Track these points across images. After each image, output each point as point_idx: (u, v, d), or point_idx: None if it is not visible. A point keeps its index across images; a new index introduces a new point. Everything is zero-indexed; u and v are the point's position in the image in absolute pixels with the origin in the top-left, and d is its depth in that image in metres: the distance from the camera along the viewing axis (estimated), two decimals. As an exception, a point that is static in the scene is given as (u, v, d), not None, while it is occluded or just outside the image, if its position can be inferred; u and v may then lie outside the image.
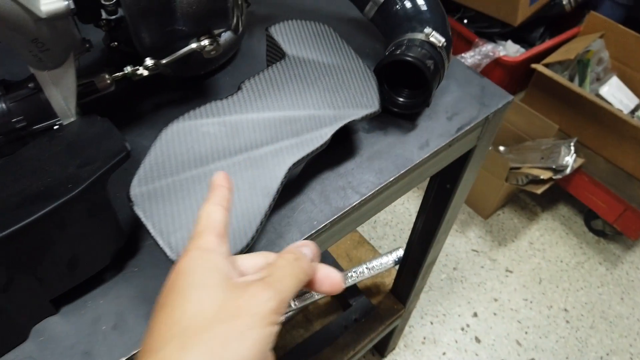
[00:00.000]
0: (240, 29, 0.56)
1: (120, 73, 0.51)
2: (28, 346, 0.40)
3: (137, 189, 0.41)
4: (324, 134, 0.49)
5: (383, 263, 1.04)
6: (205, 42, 0.52)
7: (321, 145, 0.48)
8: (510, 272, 1.59)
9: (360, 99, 0.52)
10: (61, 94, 0.47)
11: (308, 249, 0.33)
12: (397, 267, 1.09)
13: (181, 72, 0.59)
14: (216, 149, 0.44)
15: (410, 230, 0.93)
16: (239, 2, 0.51)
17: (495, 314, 1.49)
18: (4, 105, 0.47)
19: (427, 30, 0.56)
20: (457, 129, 0.59)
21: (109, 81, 0.51)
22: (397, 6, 0.60)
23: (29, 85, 0.47)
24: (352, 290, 1.08)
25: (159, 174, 0.42)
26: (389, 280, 1.12)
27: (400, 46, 0.57)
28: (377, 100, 0.53)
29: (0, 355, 0.39)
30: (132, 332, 0.41)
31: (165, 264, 0.45)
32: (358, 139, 0.57)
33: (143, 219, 0.40)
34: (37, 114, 0.48)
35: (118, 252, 0.44)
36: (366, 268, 1.02)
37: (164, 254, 0.39)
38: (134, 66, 0.51)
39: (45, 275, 0.40)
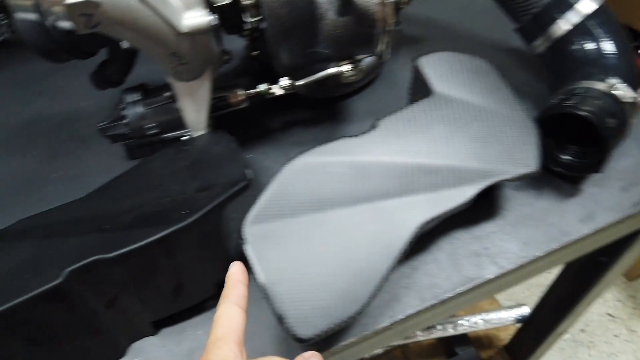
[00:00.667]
0: (388, 56, 0.50)
1: (254, 90, 0.49)
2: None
3: (252, 226, 0.38)
4: (466, 193, 0.41)
5: (503, 318, 0.93)
6: (345, 67, 0.47)
7: (460, 206, 0.41)
8: (651, 349, 1.35)
9: (516, 154, 0.44)
10: (194, 106, 0.46)
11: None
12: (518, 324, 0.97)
13: (315, 93, 0.56)
14: (340, 193, 0.39)
15: (546, 290, 0.80)
16: (390, 28, 0.45)
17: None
18: (141, 109, 0.46)
19: (612, 80, 0.46)
20: (633, 203, 0.48)
21: (241, 97, 0.48)
22: (576, 46, 0.50)
23: (165, 94, 0.46)
24: (461, 339, 0.98)
25: (276, 213, 0.38)
26: (505, 335, 1.00)
27: (574, 95, 0.47)
28: (536, 159, 0.44)
29: None
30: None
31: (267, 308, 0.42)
32: (503, 197, 0.49)
33: (253, 261, 0.36)
34: (170, 123, 0.47)
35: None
36: (482, 319, 0.92)
37: (269, 304, 0.36)
38: (269, 84, 0.49)
39: (149, 298, 0.38)
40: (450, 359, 0.97)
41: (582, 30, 0.50)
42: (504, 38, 0.64)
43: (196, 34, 0.39)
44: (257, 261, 0.36)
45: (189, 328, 0.41)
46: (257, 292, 0.42)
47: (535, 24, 0.53)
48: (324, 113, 0.56)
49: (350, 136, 0.42)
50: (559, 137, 0.49)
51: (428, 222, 0.40)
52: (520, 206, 0.48)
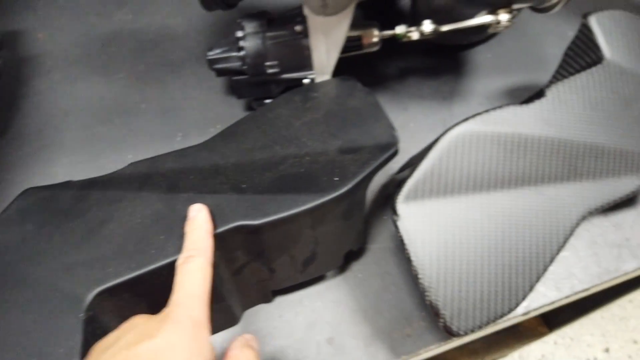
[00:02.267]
0: (557, 7, 0.43)
1: (390, 32, 0.42)
2: (237, 332, 0.36)
3: (406, 202, 0.33)
4: (634, 183, 0.37)
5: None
6: (503, 16, 0.40)
7: (627, 195, 0.37)
8: (664, 318, 1.38)
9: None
10: (327, 45, 0.39)
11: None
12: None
13: (442, 39, 0.48)
14: (503, 172, 0.34)
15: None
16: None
17: (630, 357, 1.32)
18: (262, 42, 0.40)
19: None
20: None
21: (376, 39, 0.42)
22: None
23: (296, 27, 0.39)
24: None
25: (433, 189, 0.33)
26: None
27: None
28: None
29: (211, 334, 0.36)
30: (347, 356, 0.35)
31: (392, 285, 0.38)
32: (645, 182, 0.44)
33: (407, 242, 0.32)
34: (293, 62, 0.41)
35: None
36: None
37: (421, 290, 0.32)
38: (408, 26, 0.42)
39: (280, 268, 0.34)
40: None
41: None
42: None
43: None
44: (411, 242, 0.32)
45: (306, 299, 0.38)
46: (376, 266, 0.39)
47: None
48: (445, 63, 0.50)
49: (516, 104, 0.36)
50: None
51: (592, 212, 0.36)
52: (664, 194, 0.44)
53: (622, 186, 0.37)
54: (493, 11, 0.41)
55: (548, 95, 0.37)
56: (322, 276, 0.38)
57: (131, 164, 0.35)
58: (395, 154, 0.34)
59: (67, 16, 0.52)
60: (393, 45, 0.45)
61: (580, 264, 0.40)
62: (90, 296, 0.27)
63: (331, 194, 0.31)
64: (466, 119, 0.35)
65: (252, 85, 0.42)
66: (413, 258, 0.32)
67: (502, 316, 0.32)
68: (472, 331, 0.32)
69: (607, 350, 1.33)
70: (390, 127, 0.35)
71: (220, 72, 0.42)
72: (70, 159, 0.43)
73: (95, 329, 0.27)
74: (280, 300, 0.38)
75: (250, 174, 0.33)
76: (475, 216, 0.34)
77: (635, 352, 1.33)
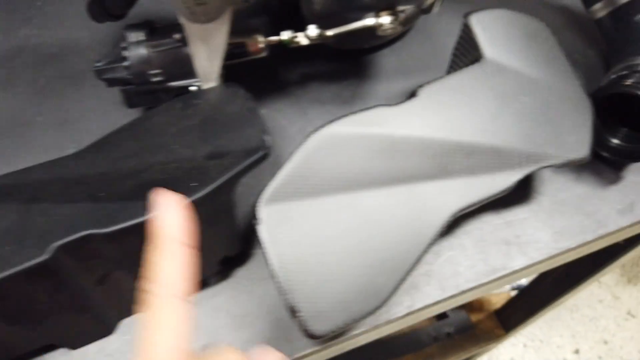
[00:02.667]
0: (437, 9, 0.44)
1: (276, 38, 0.42)
2: (112, 342, 0.36)
3: (268, 204, 0.33)
4: (508, 179, 0.37)
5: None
6: (385, 19, 0.41)
7: (499, 193, 0.37)
8: (633, 316, 1.38)
9: (567, 137, 0.39)
10: (207, 52, 0.40)
11: None
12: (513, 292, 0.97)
13: (340, 44, 0.49)
14: (370, 172, 0.35)
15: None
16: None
17: (600, 357, 1.31)
18: (145, 51, 0.40)
19: (686, 60, 0.40)
20: (679, 197, 0.44)
21: (261, 45, 0.42)
22: (645, 13, 0.44)
23: (175, 35, 0.40)
24: (453, 300, 0.98)
25: (297, 191, 0.33)
26: (497, 300, 0.99)
27: (635, 72, 0.42)
28: (587, 144, 0.39)
29: (82, 345, 0.36)
30: (224, 360, 0.35)
31: (275, 289, 0.38)
32: (539, 179, 0.45)
33: (267, 245, 0.32)
34: (177, 71, 0.41)
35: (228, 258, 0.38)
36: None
37: (281, 294, 0.32)
38: (294, 32, 0.42)
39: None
40: (439, 320, 0.97)
41: (652, -5, 0.44)
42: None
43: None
44: (270, 245, 0.32)
45: (189, 305, 0.37)
46: (262, 271, 0.39)
47: (597, -18, 0.46)
48: (348, 67, 0.50)
49: (386, 105, 0.37)
50: (609, 117, 0.44)
51: (463, 210, 0.36)
52: (557, 191, 0.44)
53: (496, 183, 0.37)
54: (376, 14, 0.41)
55: (420, 95, 0.37)
56: (205, 283, 0.38)
57: (0, 176, 0.35)
58: (263, 157, 0.34)
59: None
60: (295, 50, 0.46)
61: (467, 263, 0.40)
62: None
63: (185, 199, 0.31)
64: (332, 121, 0.35)
65: (141, 94, 0.42)
66: (270, 261, 0.32)
67: (364, 317, 0.33)
68: (333, 332, 0.32)
69: (577, 351, 1.33)
70: (262, 132, 0.35)
71: (110, 83, 0.42)
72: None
73: None
74: (162, 308, 0.38)
75: (113, 183, 0.33)
76: (339, 217, 0.34)
77: (605, 352, 1.33)
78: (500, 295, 1.01)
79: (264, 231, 0.32)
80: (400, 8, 0.41)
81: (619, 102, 0.42)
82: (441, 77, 0.38)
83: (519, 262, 0.40)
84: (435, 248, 0.41)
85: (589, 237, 0.42)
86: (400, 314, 0.38)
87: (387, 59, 0.51)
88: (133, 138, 0.37)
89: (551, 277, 0.79)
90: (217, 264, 0.37)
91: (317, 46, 0.50)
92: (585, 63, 0.52)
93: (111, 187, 0.33)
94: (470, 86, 0.38)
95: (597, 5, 0.47)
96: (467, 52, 0.42)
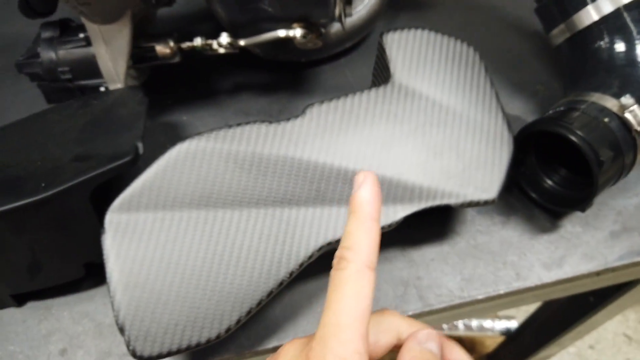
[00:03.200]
0: (344, 20, 0.41)
1: (189, 44, 0.41)
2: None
3: (117, 213, 0.32)
4: (393, 215, 0.34)
5: (486, 328, 0.85)
6: (296, 31, 0.39)
7: (382, 227, 0.33)
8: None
9: (474, 175, 0.35)
10: (110, 54, 0.39)
11: (434, 344, 0.25)
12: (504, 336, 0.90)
13: (274, 56, 0.47)
14: (235, 191, 0.33)
15: (534, 310, 0.72)
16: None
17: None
18: (54, 49, 0.40)
19: (629, 100, 0.35)
20: (619, 255, 0.38)
21: (170, 50, 0.41)
22: (600, 44, 0.39)
23: (80, 35, 0.40)
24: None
25: (150, 202, 0.32)
26: (491, 343, 0.92)
27: (573, 109, 0.37)
28: (497, 185, 0.35)
29: None
30: (72, 369, 0.34)
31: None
32: (458, 218, 0.40)
33: (108, 256, 0.31)
34: (84, 69, 0.41)
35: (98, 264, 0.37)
36: (463, 324, 0.85)
37: (113, 308, 0.30)
38: (207, 39, 0.41)
39: (2, 272, 0.34)
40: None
41: (614, 24, 0.39)
42: (529, 21, 0.52)
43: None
44: (113, 257, 0.31)
45: (54, 307, 0.37)
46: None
47: (557, 5, 0.42)
48: (283, 80, 0.48)
49: (266, 122, 0.34)
50: (548, 156, 0.39)
51: (333, 243, 0.33)
52: (477, 233, 0.39)
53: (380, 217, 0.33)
54: (288, 26, 0.39)
55: (306, 115, 0.35)
56: (78, 287, 0.38)
57: None
58: (131, 163, 0.33)
59: None
60: (231, 60, 0.44)
61: (356, 300, 0.37)
62: None
63: (23, 200, 0.30)
64: (200, 134, 0.33)
65: (56, 91, 0.43)
66: (107, 274, 0.30)
67: (197, 345, 0.30)
68: (159, 356, 0.30)
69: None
70: (137, 138, 0.34)
71: (31, 77, 0.43)
72: None
73: None
74: (32, 306, 0.37)
75: (-26, 176, 0.33)
76: (191, 235, 0.32)
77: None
78: (494, 338, 0.94)
79: (108, 241, 0.31)
80: (314, 20, 0.39)
81: (559, 141, 0.37)
82: (336, 97, 0.35)
83: (413, 307, 0.36)
84: (323, 280, 0.38)
85: (502, 290, 0.37)
86: (270, 346, 0.35)
87: (326, 74, 0.48)
88: (23, 132, 0.37)
89: (535, 325, 0.72)
90: (81, 268, 0.36)
91: (255, 57, 0.48)
92: (548, 95, 0.47)
93: (-29, 180, 0.33)
94: (366, 110, 0.35)
95: (556, 30, 0.42)
96: (381, 74, 0.39)
